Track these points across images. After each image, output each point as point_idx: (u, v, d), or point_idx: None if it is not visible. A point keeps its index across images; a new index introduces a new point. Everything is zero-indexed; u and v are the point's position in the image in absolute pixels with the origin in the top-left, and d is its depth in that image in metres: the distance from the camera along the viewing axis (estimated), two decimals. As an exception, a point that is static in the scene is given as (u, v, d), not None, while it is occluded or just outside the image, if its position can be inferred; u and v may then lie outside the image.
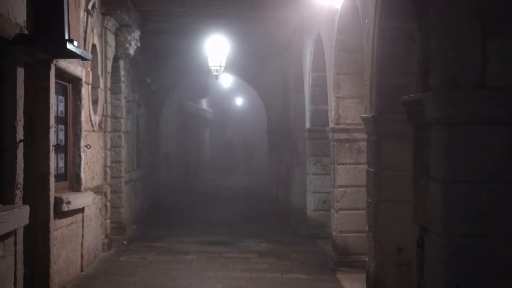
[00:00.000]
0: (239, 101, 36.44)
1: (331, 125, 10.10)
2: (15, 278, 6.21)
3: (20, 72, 6.36)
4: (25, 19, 6.48)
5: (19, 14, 6.33)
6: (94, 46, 9.91)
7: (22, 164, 6.43)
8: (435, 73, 4.26)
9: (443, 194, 4.15)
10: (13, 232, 6.11)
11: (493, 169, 4.06)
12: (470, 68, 4.09)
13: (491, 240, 4.05)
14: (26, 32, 6.43)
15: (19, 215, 6.11)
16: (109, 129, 11.11)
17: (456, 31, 4.11)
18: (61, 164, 8.52)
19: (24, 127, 6.51)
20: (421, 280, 4.56)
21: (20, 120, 6.36)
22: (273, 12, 11.76)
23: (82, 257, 9.00)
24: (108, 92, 11.03)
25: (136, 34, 12.00)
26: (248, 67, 17.57)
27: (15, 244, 6.19)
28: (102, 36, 10.59)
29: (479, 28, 4.09)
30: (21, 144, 6.38)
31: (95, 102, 10.05)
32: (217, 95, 32.22)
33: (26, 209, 6.30)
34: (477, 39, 4.09)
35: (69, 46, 6.58)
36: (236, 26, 13.53)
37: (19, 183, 6.35)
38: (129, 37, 11.74)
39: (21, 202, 6.40)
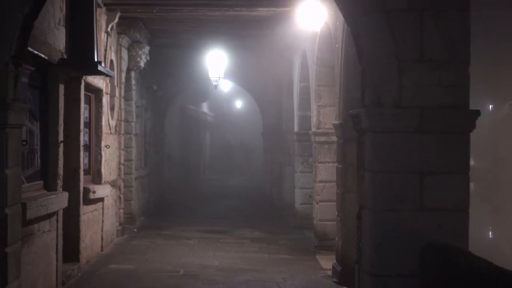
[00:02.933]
0: (238, 104, 38.13)
1: (313, 129, 11.86)
2: (57, 248, 8.00)
3: (61, 88, 8.15)
4: (64, 46, 8.27)
5: (61, 43, 8.12)
6: (111, 61, 11.67)
7: (62, 160, 8.20)
8: (368, 95, 6.00)
9: (371, 181, 5.89)
10: (56, 212, 7.89)
11: (404, 163, 5.78)
12: (390, 93, 5.83)
13: (401, 213, 5.78)
14: (65, 56, 8.22)
15: (61, 199, 7.91)
16: (122, 132, 12.87)
17: (381, 66, 5.85)
18: (86, 160, 10.26)
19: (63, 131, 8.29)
20: (360, 242, 6.30)
21: (61, 126, 8.14)
22: (266, 31, 13.53)
23: (102, 239, 10.76)
24: (122, 100, 12.80)
25: (146, 49, 13.78)
26: (245, 75, 19.05)
27: (57, 222, 7.98)
28: (118, 52, 12.36)
29: (397, 65, 5.83)
30: (61, 144, 8.16)
31: (112, 108, 11.81)
32: (217, 98, 33.84)
33: (66, 195, 8.11)
34: (395, 72, 5.82)
35: (99, 67, 8.36)
36: (234, 41, 15.34)
37: (60, 174, 8.13)
38: (140, 52, 13.51)
39: (61, 189, 8.18)
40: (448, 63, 5.88)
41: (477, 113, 5.88)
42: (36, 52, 6.89)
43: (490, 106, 46.28)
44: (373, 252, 5.89)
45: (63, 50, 8.20)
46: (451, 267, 5.35)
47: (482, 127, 39.76)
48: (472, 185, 35.63)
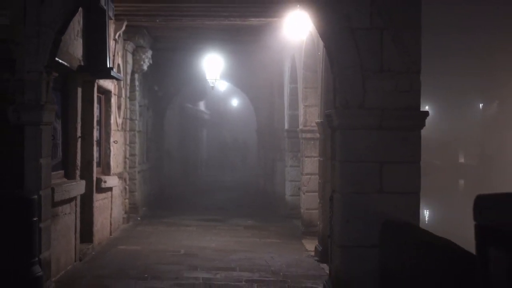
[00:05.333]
0: (234, 103, 39.40)
1: (300, 127, 13.13)
2: (75, 229, 9.28)
3: (79, 91, 9.43)
4: (81, 54, 9.54)
5: (79, 51, 9.39)
6: (118, 65, 12.93)
7: (80, 153, 9.48)
8: (338, 98, 7.29)
9: (340, 169, 7.18)
10: (75, 198, 9.17)
11: (366, 154, 7.06)
12: (356, 96, 7.11)
13: (364, 195, 7.07)
14: (82, 63, 9.49)
15: (80, 186, 9.20)
16: (127, 129, 14.14)
17: (348, 75, 7.14)
18: (97, 154, 11.52)
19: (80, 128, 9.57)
20: (332, 220, 7.60)
21: (79, 123, 9.42)
22: (258, 37, 14.82)
23: (111, 224, 12.04)
24: (127, 100, 14.07)
25: (149, 53, 15.05)
26: (240, 76, 20.24)
27: (75, 206, 9.25)
28: (124, 57, 13.63)
29: (361, 74, 7.12)
30: (79, 139, 9.44)
31: (119, 108, 13.07)
32: (214, 97, 35.08)
33: (83, 182, 9.40)
34: (360, 80, 7.11)
35: (112, 73, 9.64)
36: (229, 46, 16.64)
37: (78, 165, 9.42)
38: (143, 56, 14.78)
39: (79, 178, 9.46)
40: (403, 73, 7.17)
41: (426, 113, 7.18)
42: (61, 61, 8.16)
43: (480, 105, 47.60)
44: (342, 228, 7.17)
45: (81, 58, 9.47)
46: (403, 238, 6.64)
47: (472, 125, 40.95)
48: (462, 182, 36.52)
